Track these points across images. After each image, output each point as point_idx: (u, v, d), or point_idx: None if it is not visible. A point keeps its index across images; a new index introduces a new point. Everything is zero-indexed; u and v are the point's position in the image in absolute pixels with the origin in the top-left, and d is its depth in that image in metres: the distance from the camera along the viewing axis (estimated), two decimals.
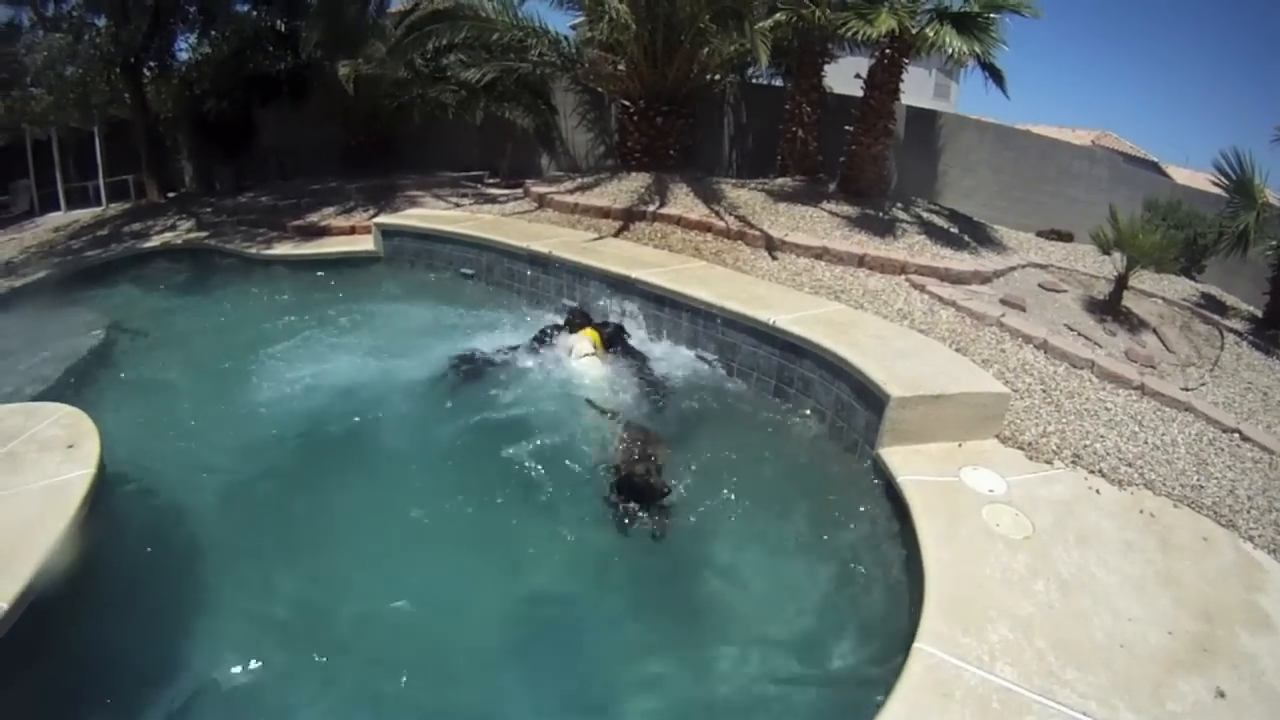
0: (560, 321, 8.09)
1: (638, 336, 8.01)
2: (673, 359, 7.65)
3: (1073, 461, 5.20)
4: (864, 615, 4.28)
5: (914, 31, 10.00)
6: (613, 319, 8.24)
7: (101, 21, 14.52)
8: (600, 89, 14.61)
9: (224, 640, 4.27)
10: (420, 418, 6.63)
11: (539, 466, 5.63)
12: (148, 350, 8.85)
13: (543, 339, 7.74)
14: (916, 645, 3.42)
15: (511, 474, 5.54)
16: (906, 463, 5.09)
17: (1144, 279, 9.21)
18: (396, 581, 4.72)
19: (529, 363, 7.42)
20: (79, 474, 4.78)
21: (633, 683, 3.99)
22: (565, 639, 4.30)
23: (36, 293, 10.94)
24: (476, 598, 4.60)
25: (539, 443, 5.88)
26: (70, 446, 5.18)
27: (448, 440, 6.22)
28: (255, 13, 16.70)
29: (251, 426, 6.72)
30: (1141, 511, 4.70)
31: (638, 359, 7.50)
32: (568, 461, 5.78)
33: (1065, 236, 11.57)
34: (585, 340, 7.38)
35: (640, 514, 5.09)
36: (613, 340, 7.62)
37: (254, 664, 4.10)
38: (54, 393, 7.12)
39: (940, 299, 7.72)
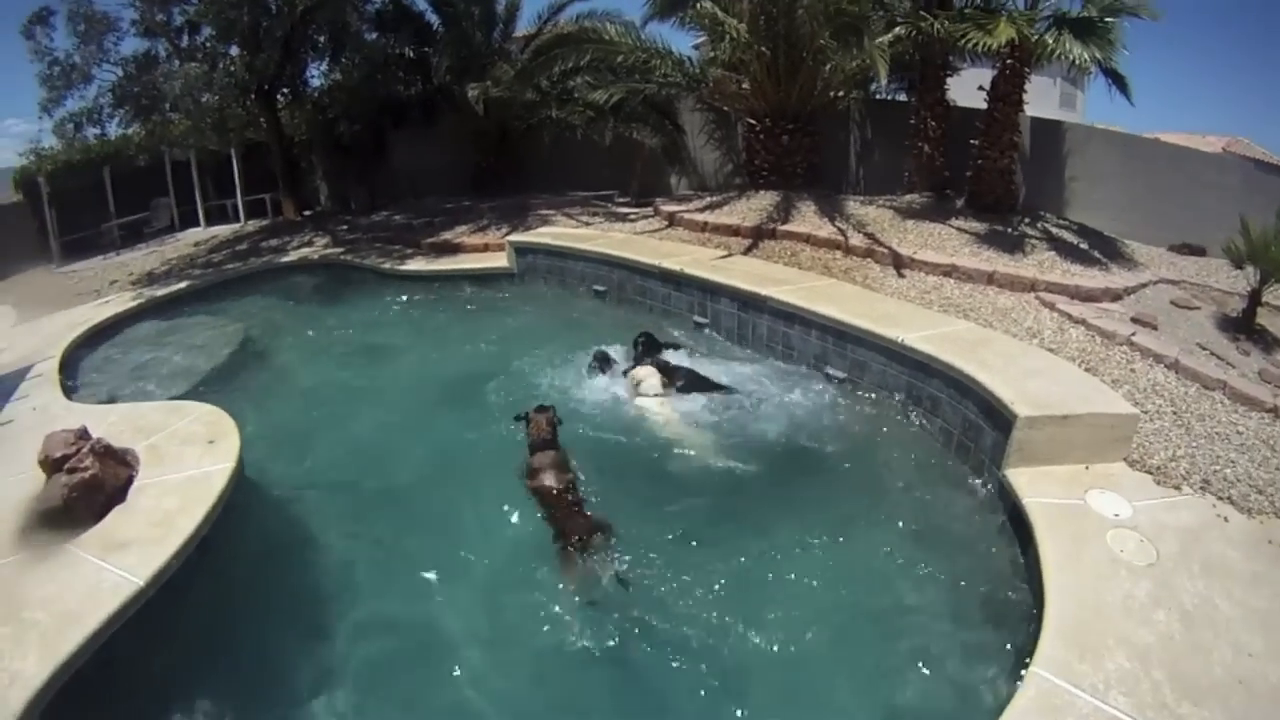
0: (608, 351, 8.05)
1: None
2: (801, 376, 7.75)
3: (1201, 487, 5.08)
4: (980, 636, 4.30)
5: (1033, 40, 9.95)
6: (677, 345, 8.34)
7: (235, 51, 15.30)
8: (726, 108, 14.75)
9: (336, 635, 4.63)
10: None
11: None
12: (284, 357, 9.47)
13: (602, 367, 7.79)
14: (1032, 669, 3.48)
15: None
16: (1033, 484, 5.06)
17: None
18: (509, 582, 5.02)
19: (592, 395, 7.47)
20: (219, 468, 5.32)
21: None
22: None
23: (179, 301, 11.88)
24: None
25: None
26: (211, 442, 5.72)
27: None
28: (384, 40, 17.34)
29: (383, 432, 7.18)
30: (1271, 542, 4.55)
31: (708, 389, 7.38)
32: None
33: (1197, 250, 11.16)
34: (654, 376, 7.33)
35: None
36: (675, 374, 7.50)
37: (365, 662, 4.43)
38: (196, 393, 7.80)
39: (1070, 317, 7.67)
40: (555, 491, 5.59)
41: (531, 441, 6.01)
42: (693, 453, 6.46)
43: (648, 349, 7.95)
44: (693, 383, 7.39)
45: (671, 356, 7.98)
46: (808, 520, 5.52)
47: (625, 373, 7.63)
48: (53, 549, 4.63)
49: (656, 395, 7.16)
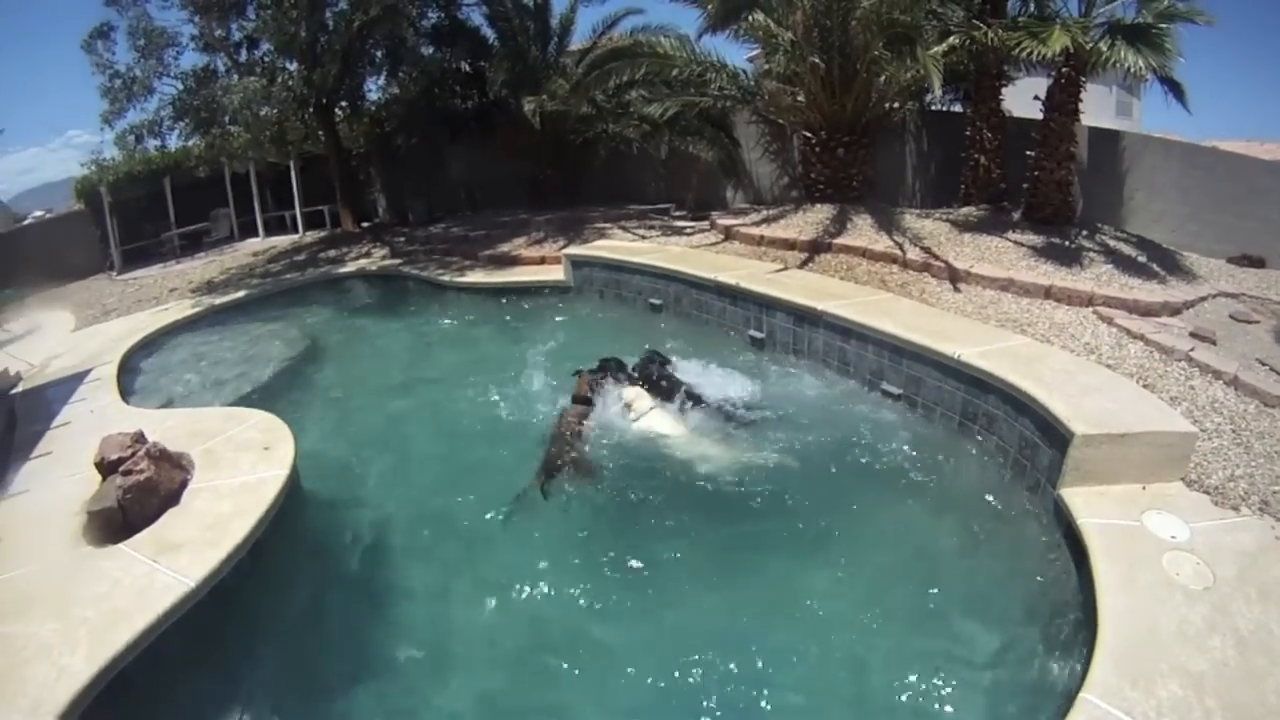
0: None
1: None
2: (856, 392, 7.81)
3: (1260, 508, 4.98)
4: (1029, 659, 4.32)
5: (1088, 48, 9.86)
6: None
7: (293, 65, 15.67)
8: (781, 121, 14.70)
9: (383, 646, 4.76)
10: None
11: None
12: (341, 366, 9.74)
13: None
14: (1082, 695, 3.44)
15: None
16: (1088, 504, 5.01)
17: None
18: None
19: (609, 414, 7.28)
20: (273, 474, 5.50)
21: None
22: None
23: (237, 310, 12.31)
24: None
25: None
26: (266, 449, 5.92)
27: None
28: (440, 55, 17.63)
29: (436, 444, 7.37)
30: None
31: (689, 391, 7.35)
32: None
33: (1256, 261, 11.03)
34: (642, 395, 7.22)
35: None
36: (658, 380, 7.46)
37: (410, 673, 4.57)
38: (252, 400, 8.04)
39: (1128, 332, 7.58)
40: (564, 435, 6.71)
41: (574, 396, 7.33)
42: (716, 470, 6.40)
43: (645, 369, 7.72)
44: (695, 401, 7.32)
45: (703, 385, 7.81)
46: (856, 534, 5.63)
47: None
48: (105, 549, 4.86)
49: (652, 409, 7.10)
